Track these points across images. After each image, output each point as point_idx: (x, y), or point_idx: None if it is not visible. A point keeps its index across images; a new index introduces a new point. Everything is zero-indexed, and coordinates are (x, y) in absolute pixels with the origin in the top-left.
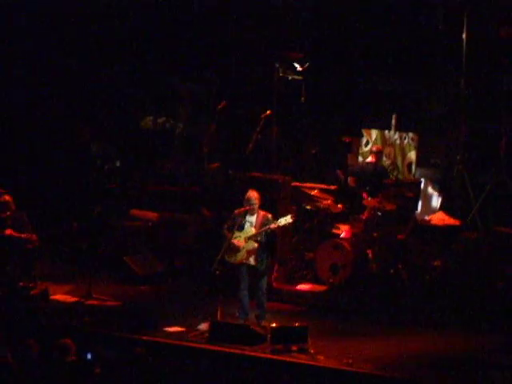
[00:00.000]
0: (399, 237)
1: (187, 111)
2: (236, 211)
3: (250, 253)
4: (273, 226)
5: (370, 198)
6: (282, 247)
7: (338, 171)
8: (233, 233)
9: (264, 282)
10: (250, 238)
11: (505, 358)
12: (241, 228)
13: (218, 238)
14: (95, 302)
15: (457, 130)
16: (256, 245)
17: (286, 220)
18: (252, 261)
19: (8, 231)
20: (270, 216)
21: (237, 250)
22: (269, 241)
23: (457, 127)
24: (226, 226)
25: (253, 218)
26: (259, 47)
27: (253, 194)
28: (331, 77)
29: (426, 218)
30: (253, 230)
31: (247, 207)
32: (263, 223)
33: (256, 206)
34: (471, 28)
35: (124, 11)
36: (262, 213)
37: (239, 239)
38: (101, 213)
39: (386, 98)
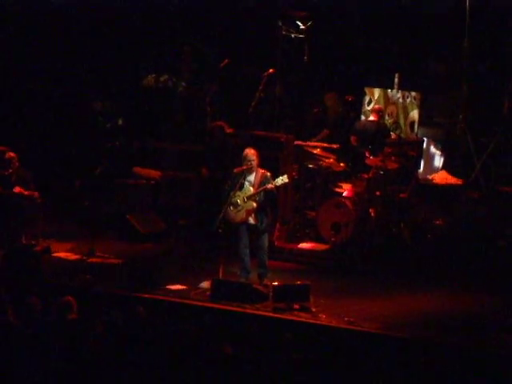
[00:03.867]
0: (401, 196)
1: (190, 69)
2: (235, 170)
3: (249, 212)
4: (269, 186)
5: (372, 157)
6: (283, 206)
7: None
8: (233, 192)
9: (265, 241)
10: (248, 198)
11: (503, 317)
12: (241, 187)
13: (219, 197)
14: (98, 260)
15: (460, 88)
16: (255, 204)
17: (282, 180)
18: (251, 220)
19: (17, 189)
20: (268, 174)
21: (236, 209)
22: (268, 200)
23: (460, 86)
24: (226, 186)
25: (251, 177)
26: (262, 5)
27: (250, 152)
28: (334, 35)
29: (429, 177)
30: (251, 190)
31: (245, 166)
32: (262, 182)
33: (254, 163)
34: None
35: None
36: (260, 171)
37: (239, 198)
38: (103, 171)
39: (389, 56)
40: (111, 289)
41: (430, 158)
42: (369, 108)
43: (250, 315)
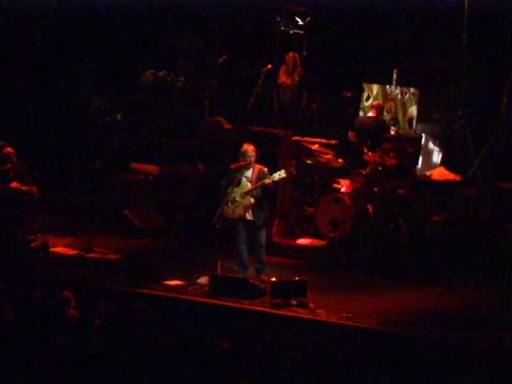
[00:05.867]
0: (400, 192)
1: (188, 65)
2: (232, 166)
3: (246, 208)
4: (267, 181)
5: (370, 153)
6: (282, 201)
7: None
8: (231, 188)
9: (263, 236)
10: (246, 194)
11: (502, 314)
12: (239, 183)
13: (217, 192)
14: (95, 255)
15: (458, 85)
16: (252, 200)
17: (279, 175)
18: (249, 216)
19: (14, 184)
20: (266, 169)
21: (234, 205)
22: (265, 195)
23: (458, 82)
24: (223, 181)
25: (249, 173)
26: (261, 0)
27: (249, 147)
28: (332, 31)
29: (427, 173)
30: (249, 185)
31: (243, 162)
32: (259, 177)
33: (252, 159)
34: None
35: None
36: (257, 167)
37: (236, 194)
38: (102, 166)
39: (388, 52)
40: (109, 284)
41: (429, 154)
42: (367, 104)
43: (248, 311)
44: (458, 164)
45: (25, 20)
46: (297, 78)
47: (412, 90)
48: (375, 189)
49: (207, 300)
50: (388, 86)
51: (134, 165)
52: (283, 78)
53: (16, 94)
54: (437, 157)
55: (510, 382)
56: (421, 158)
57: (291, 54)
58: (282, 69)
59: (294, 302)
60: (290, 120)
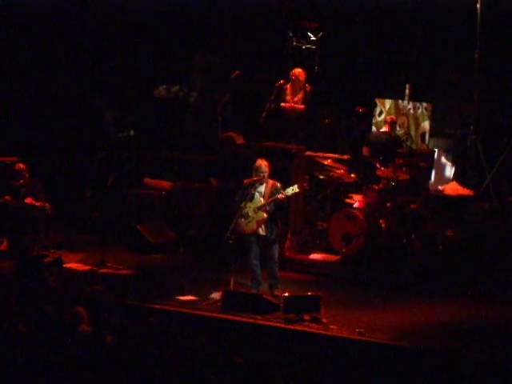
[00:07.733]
0: (412, 207)
1: (201, 80)
2: (246, 181)
3: (259, 223)
4: (280, 196)
5: (383, 168)
6: (294, 217)
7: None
8: (244, 203)
9: (275, 251)
10: (259, 209)
11: None
12: (252, 198)
13: (230, 208)
14: (108, 271)
15: (471, 99)
16: (265, 215)
17: (293, 190)
18: (262, 231)
19: (29, 200)
20: (279, 185)
21: (247, 220)
22: (278, 210)
23: (471, 97)
24: (237, 197)
25: (262, 188)
26: (273, 16)
27: (263, 163)
28: (345, 46)
29: (440, 188)
30: (262, 200)
31: (256, 177)
32: (272, 192)
33: (266, 175)
34: None
35: None
36: (271, 182)
37: (249, 209)
38: (115, 181)
39: (400, 67)
40: (122, 299)
41: (441, 169)
42: (380, 119)
43: (261, 326)
44: (470, 179)
45: (36, 35)
46: (301, 95)
47: (425, 104)
48: (388, 204)
49: (220, 315)
50: (401, 101)
51: (146, 180)
52: (289, 97)
53: (29, 109)
54: (449, 172)
55: None
56: (433, 173)
57: (295, 71)
58: (288, 86)
59: (307, 318)
60: (303, 135)
